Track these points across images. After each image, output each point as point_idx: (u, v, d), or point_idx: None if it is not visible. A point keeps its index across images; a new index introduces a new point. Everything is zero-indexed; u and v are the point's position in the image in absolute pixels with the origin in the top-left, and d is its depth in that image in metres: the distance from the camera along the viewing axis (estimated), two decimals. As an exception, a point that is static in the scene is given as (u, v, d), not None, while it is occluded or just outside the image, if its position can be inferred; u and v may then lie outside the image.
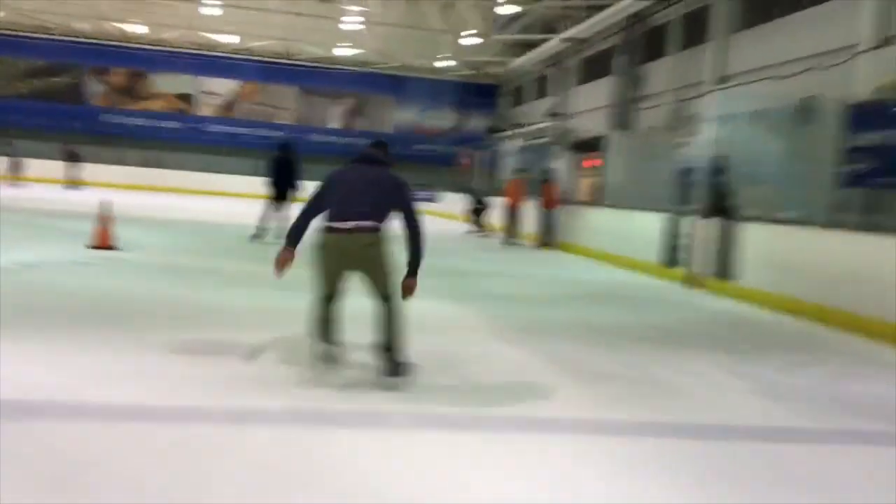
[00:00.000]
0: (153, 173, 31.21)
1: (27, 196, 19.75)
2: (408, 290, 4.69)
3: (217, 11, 26.82)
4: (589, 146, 24.08)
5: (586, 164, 24.48)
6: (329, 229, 4.54)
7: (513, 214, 16.45)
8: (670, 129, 18.44)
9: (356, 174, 4.79)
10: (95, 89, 32.62)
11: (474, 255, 13.91)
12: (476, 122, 34.67)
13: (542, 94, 29.36)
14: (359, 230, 4.51)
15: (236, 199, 27.84)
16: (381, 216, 4.61)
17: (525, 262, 13.29)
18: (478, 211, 20.42)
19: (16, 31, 30.98)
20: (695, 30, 18.47)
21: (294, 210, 10.89)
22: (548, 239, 15.60)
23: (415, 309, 4.83)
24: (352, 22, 27.45)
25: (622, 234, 13.78)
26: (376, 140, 5.19)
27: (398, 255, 4.68)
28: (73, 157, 24.81)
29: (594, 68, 24.56)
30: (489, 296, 8.84)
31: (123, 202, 20.96)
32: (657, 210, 14.39)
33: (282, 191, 12.35)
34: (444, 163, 32.24)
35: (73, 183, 24.67)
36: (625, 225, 14.07)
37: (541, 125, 27.11)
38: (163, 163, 32.55)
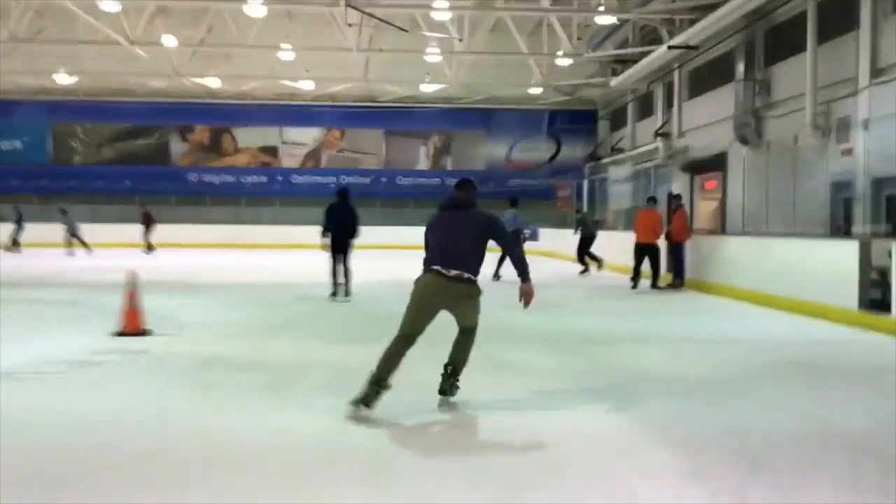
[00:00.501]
0: (241, 230, 30.13)
1: (83, 265, 18.48)
2: (526, 296, 5.19)
3: (291, 56, 25.43)
4: (706, 166, 21.26)
5: (708, 185, 21.61)
6: (434, 271, 5.00)
7: (646, 253, 13.61)
8: (812, 139, 15.52)
9: (448, 223, 5.23)
10: (180, 149, 31.97)
11: (595, 306, 11.37)
12: (573, 151, 32.22)
13: (646, 113, 26.64)
14: (459, 280, 5.00)
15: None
16: (477, 264, 5.13)
17: (664, 313, 10.68)
18: (585, 244, 17.80)
19: (98, 96, 30.76)
20: (836, 19, 15.54)
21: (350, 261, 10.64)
22: (677, 278, 12.92)
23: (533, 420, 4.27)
24: (434, 53, 25.53)
25: (774, 267, 11.01)
26: (461, 179, 5.53)
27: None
28: (147, 220, 23.65)
29: (707, 79, 21.77)
30: (644, 381, 6.05)
31: (200, 264, 20.20)
32: (806, 235, 11.71)
33: (341, 241, 11.52)
34: (542, 197, 29.90)
35: (147, 247, 23.47)
36: (774, 256, 11.30)
37: (648, 147, 24.43)
38: (250, 218, 31.54)
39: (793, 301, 10.05)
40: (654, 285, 12.94)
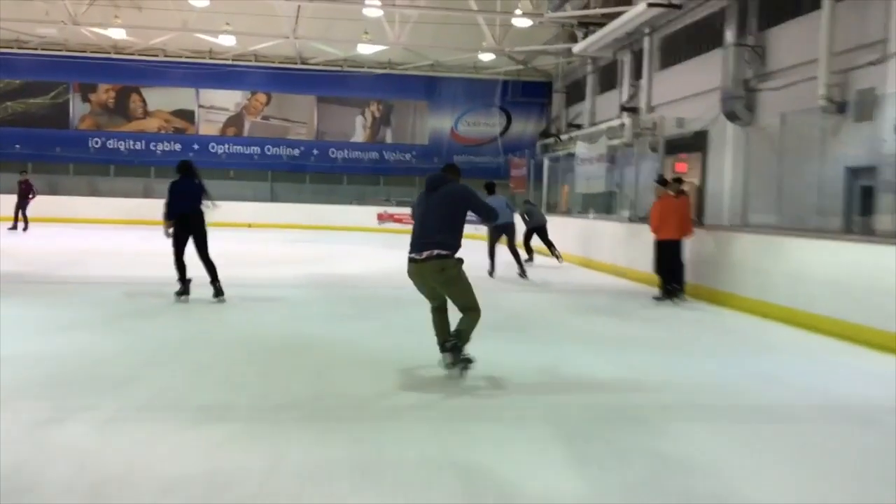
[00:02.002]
0: (149, 206, 26.39)
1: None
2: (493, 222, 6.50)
3: (206, 1, 21.81)
4: (683, 146, 18.71)
5: (679, 168, 19.04)
6: (410, 259, 5.47)
7: (671, 254, 10.20)
8: (825, 114, 13.02)
9: (423, 204, 5.60)
10: (80, 110, 27.96)
11: (597, 328, 8.43)
12: (524, 127, 29.46)
13: (609, 86, 23.98)
14: (429, 259, 5.33)
15: (243, 231, 22.89)
16: (451, 238, 5.40)
17: (689, 341, 7.88)
18: (537, 234, 15.32)
19: (-17, 46, 26.57)
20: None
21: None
22: (674, 283, 10.20)
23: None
24: (374, 6, 22.28)
25: (800, 273, 8.40)
26: (448, 164, 6.06)
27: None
28: (24, 191, 19.80)
29: (684, 45, 19.18)
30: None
31: (84, 247, 15.90)
32: (826, 232, 9.26)
33: (193, 224, 8.88)
34: (492, 175, 26.99)
35: (17, 222, 19.76)
36: (794, 259, 8.68)
37: (612, 123, 21.77)
38: (160, 192, 27.82)
39: (835, 322, 7.47)
40: (672, 296, 10.02)
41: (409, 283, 5.70)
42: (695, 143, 18.04)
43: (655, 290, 10.42)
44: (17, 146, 26.83)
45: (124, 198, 26.71)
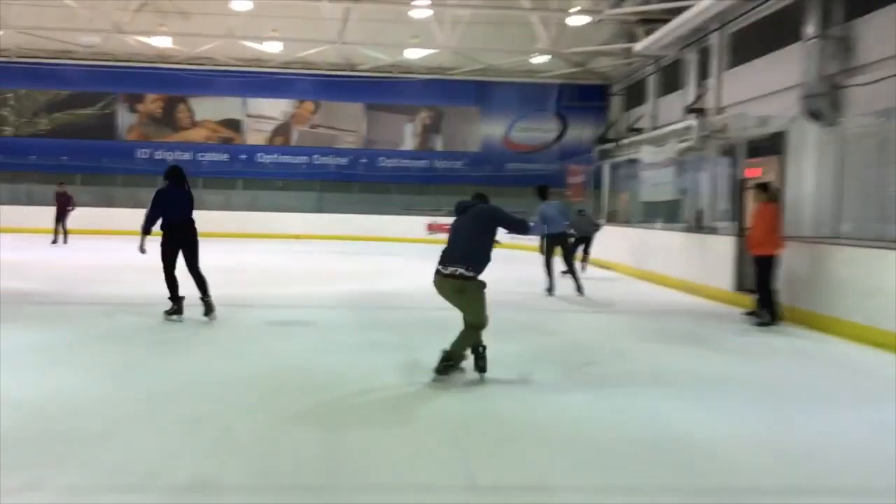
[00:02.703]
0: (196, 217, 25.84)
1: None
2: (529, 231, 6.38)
3: (249, 5, 21.06)
4: (758, 149, 17.15)
5: (751, 173, 17.49)
6: (437, 270, 5.76)
7: (769, 270, 8.85)
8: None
9: (456, 224, 5.93)
10: (127, 120, 27.62)
11: (676, 357, 7.17)
12: (580, 132, 28.08)
13: (672, 87, 22.54)
14: (453, 276, 5.65)
15: (290, 243, 22.10)
16: (478, 258, 5.69)
17: (797, 379, 6.53)
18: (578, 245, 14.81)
19: (31, 57, 26.40)
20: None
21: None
22: (765, 305, 8.83)
23: None
24: (421, 6, 21.28)
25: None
26: (476, 193, 6.28)
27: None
28: (63, 203, 19.25)
29: (757, 41, 17.67)
30: None
31: (122, 261, 14.99)
32: None
33: (181, 236, 8.32)
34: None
35: (58, 235, 19.23)
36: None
37: (676, 126, 20.33)
38: (212, 203, 27.33)
39: None
40: (766, 320, 8.64)
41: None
42: (771, 146, 16.50)
43: (740, 311, 9.08)
44: (65, 157, 26.56)
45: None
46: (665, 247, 13.11)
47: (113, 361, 6.30)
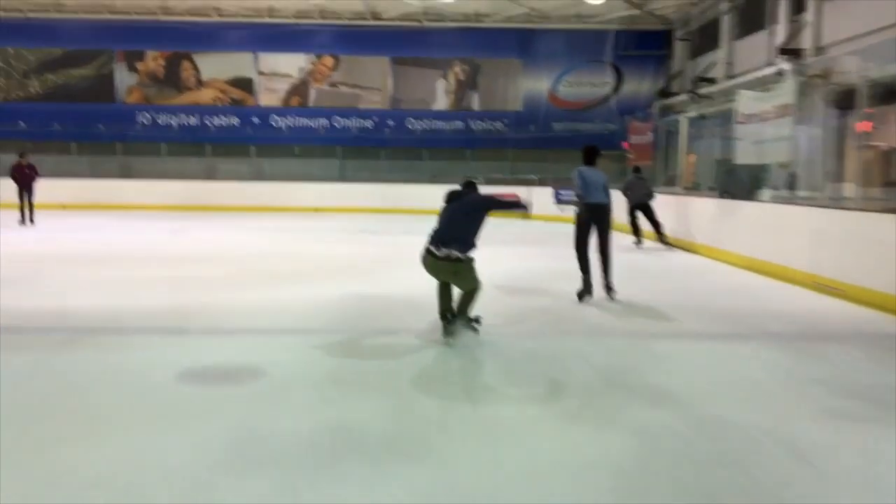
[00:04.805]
0: (202, 188, 23.04)
1: None
2: (528, 206, 7.27)
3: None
4: (875, 98, 13.54)
5: (862, 127, 13.96)
6: (429, 250, 5.97)
7: None
8: None
9: (449, 208, 6.21)
10: (126, 80, 24.68)
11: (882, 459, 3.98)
12: (637, 86, 24.44)
13: (752, 25, 18.84)
14: (447, 259, 5.89)
15: (304, 218, 19.05)
16: (469, 241, 5.99)
17: None
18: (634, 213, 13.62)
19: (19, 12, 23.58)
20: None
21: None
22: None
23: None
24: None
25: None
26: (467, 181, 6.60)
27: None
28: (21, 174, 16.23)
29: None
30: None
31: (105, 246, 12.41)
32: None
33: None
34: (601, 145, 22.35)
35: (23, 213, 16.38)
36: None
37: (762, 72, 16.75)
38: (220, 172, 24.51)
39: None
40: None
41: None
42: (890, 95, 12.91)
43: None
44: (56, 125, 23.77)
45: (177, 180, 23.38)
46: (779, 227, 9.67)
47: None
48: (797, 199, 11.57)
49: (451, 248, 5.85)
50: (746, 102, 11.50)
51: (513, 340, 6.14)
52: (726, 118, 15.87)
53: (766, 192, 14.46)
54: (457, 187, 6.40)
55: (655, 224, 13.61)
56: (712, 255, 11.76)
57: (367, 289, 8.46)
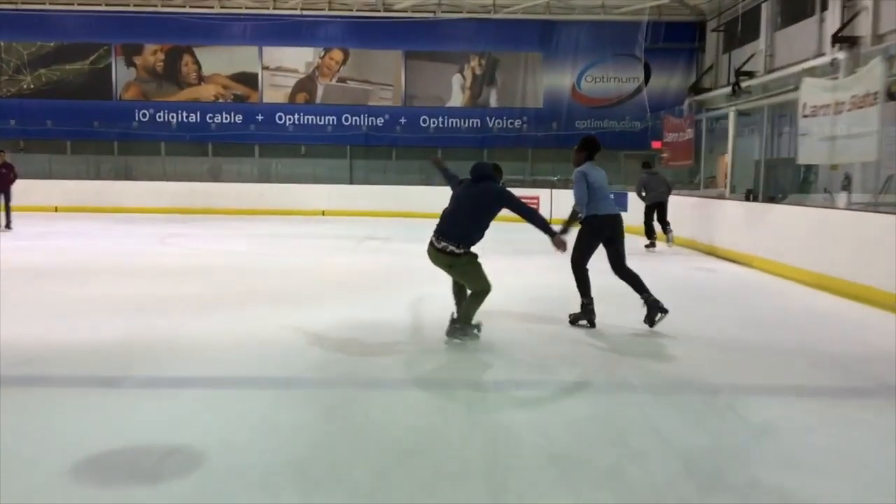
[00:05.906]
0: (202, 190, 21.70)
1: None
2: (559, 246, 5.73)
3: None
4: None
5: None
6: (431, 241, 5.70)
7: None
8: None
9: (460, 195, 5.80)
10: (124, 76, 23.34)
11: None
12: (667, 81, 22.88)
13: (796, 14, 17.27)
14: (444, 252, 5.60)
15: (308, 222, 17.62)
16: (470, 235, 5.63)
17: None
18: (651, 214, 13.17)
19: (12, 3, 22.35)
20: None
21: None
22: None
23: None
24: None
25: None
26: (493, 164, 6.01)
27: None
28: (3, 176, 14.73)
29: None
30: None
31: (87, 256, 10.97)
32: None
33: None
34: (631, 145, 20.79)
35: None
36: None
37: (810, 63, 15.14)
38: (224, 173, 23.20)
39: None
40: None
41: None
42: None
43: None
44: (49, 122, 22.48)
45: (177, 181, 22.08)
46: (862, 238, 8.07)
47: None
48: (881, 204, 9.94)
49: (448, 242, 5.56)
50: (813, 92, 9.90)
51: (558, 396, 4.60)
52: (775, 113, 14.31)
53: (816, 196, 12.88)
54: (480, 167, 5.85)
55: (666, 223, 13.11)
56: (768, 269, 10.17)
57: (365, 314, 6.93)
